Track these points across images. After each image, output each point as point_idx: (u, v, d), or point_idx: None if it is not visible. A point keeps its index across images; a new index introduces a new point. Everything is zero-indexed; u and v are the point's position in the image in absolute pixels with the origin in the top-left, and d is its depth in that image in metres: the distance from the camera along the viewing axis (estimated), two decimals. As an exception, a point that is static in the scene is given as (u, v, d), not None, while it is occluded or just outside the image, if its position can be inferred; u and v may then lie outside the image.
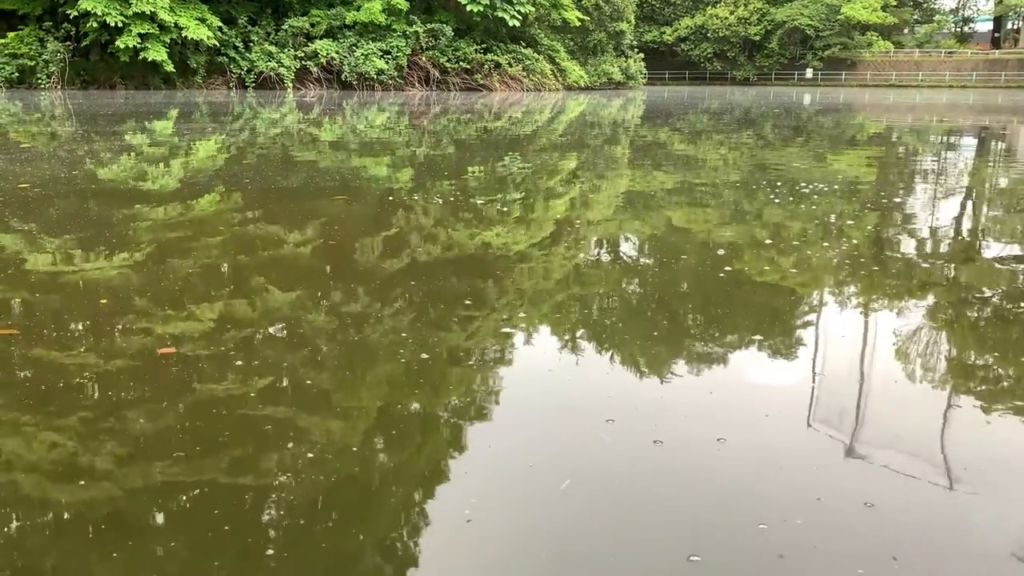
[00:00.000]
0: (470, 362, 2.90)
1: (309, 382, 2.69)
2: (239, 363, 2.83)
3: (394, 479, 2.09)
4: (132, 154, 9.79)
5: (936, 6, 76.35)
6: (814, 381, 2.78)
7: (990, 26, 75.11)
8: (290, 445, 2.24)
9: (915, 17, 73.65)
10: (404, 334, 3.15)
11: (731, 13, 63.86)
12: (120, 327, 3.21)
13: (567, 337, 3.22)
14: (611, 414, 2.40)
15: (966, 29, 76.63)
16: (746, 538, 1.78)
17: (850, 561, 1.72)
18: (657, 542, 1.77)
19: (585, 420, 2.38)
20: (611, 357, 3.01)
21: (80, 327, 3.25)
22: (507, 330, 3.28)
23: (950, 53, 66.27)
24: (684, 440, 2.26)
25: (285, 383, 2.68)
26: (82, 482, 2.03)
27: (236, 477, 2.06)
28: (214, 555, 1.73)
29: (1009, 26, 72.30)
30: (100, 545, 1.77)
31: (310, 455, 2.18)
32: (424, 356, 2.91)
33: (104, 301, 3.57)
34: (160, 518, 1.87)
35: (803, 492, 1.98)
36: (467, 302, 3.63)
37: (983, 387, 2.73)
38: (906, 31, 72.18)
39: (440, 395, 2.61)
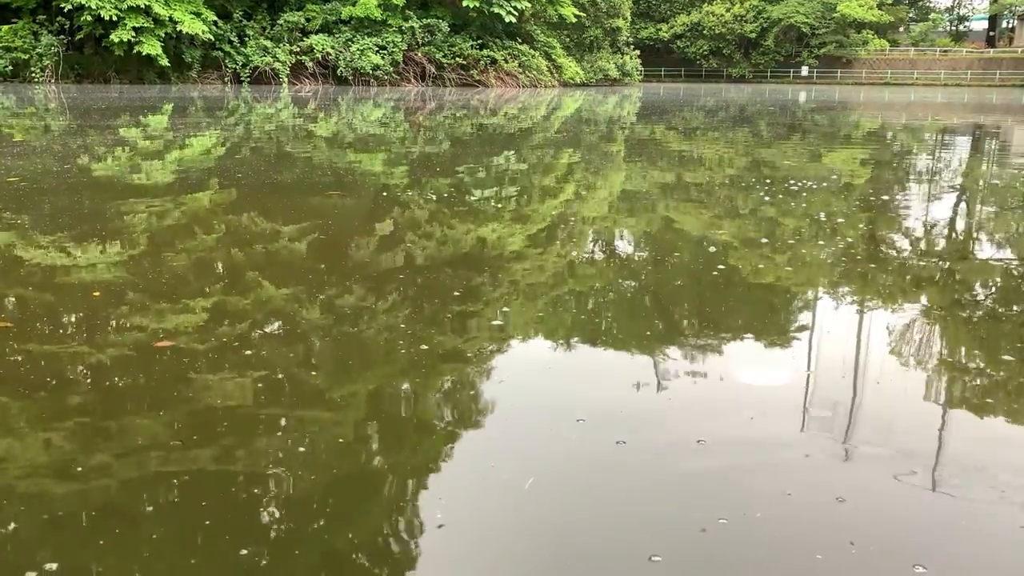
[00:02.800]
0: (452, 359, 2.90)
1: (284, 378, 2.68)
2: (232, 356, 2.83)
3: (369, 478, 2.09)
4: (126, 149, 9.76)
5: (931, 4, 76.55)
6: (805, 382, 2.78)
7: (985, 25, 75.29)
8: (255, 444, 2.24)
9: (910, 15, 73.81)
10: (393, 331, 3.16)
11: (727, 10, 63.90)
12: (114, 321, 3.21)
13: (554, 336, 3.22)
14: (584, 413, 2.39)
15: (961, 28, 76.82)
16: (706, 535, 1.79)
17: (810, 547, 1.75)
18: (618, 544, 1.76)
19: (560, 420, 2.37)
20: (598, 357, 3.01)
21: (74, 320, 3.25)
22: (491, 329, 3.28)
23: (945, 51, 66.44)
24: (658, 441, 2.24)
25: (263, 376, 2.68)
26: (79, 469, 2.03)
27: (208, 466, 2.06)
28: (196, 546, 1.74)
29: (1004, 25, 72.46)
30: (93, 535, 1.77)
31: (284, 454, 2.18)
32: (410, 354, 2.91)
33: (97, 294, 3.56)
34: (153, 508, 1.87)
35: (774, 490, 1.98)
36: (456, 299, 3.63)
37: (970, 388, 2.74)
38: (901, 29, 72.30)
39: (416, 393, 2.61)
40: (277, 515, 1.88)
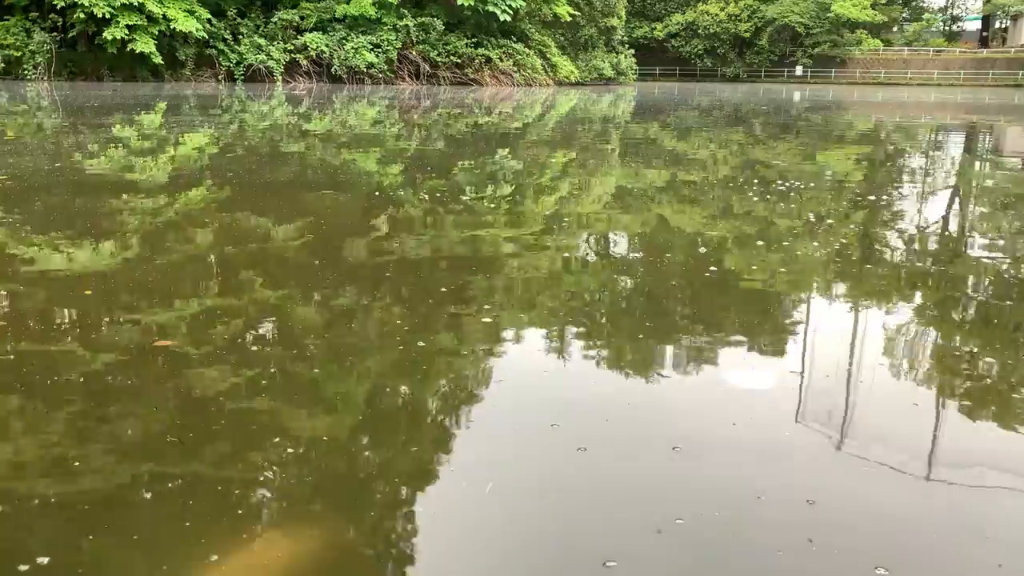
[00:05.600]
0: (436, 362, 2.90)
1: (272, 378, 2.68)
2: (225, 355, 2.83)
3: (339, 483, 2.09)
4: (119, 147, 9.72)
5: (925, 5, 76.74)
6: (792, 387, 2.74)
7: (978, 25, 75.55)
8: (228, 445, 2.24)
9: (904, 15, 73.97)
10: (378, 332, 3.16)
11: (722, 10, 63.93)
12: (107, 320, 3.20)
13: (542, 339, 3.21)
14: (560, 419, 2.37)
15: (954, 28, 77.05)
16: (662, 536, 1.78)
17: (770, 546, 1.76)
18: (573, 551, 1.75)
19: (535, 425, 2.36)
20: (586, 361, 3.01)
21: (66, 319, 3.24)
22: (478, 331, 3.27)
23: (938, 51, 66.59)
24: (632, 447, 2.21)
25: (248, 374, 2.68)
26: (76, 463, 2.03)
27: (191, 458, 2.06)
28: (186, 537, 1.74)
29: (997, 25, 72.72)
30: (86, 531, 1.77)
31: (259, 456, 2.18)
32: (392, 356, 2.91)
33: (88, 292, 3.55)
34: (150, 503, 1.87)
35: (744, 493, 1.97)
36: (445, 300, 3.63)
37: (951, 394, 2.75)
38: (895, 29, 72.48)
39: (393, 396, 2.61)
40: (242, 521, 1.88)
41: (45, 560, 1.68)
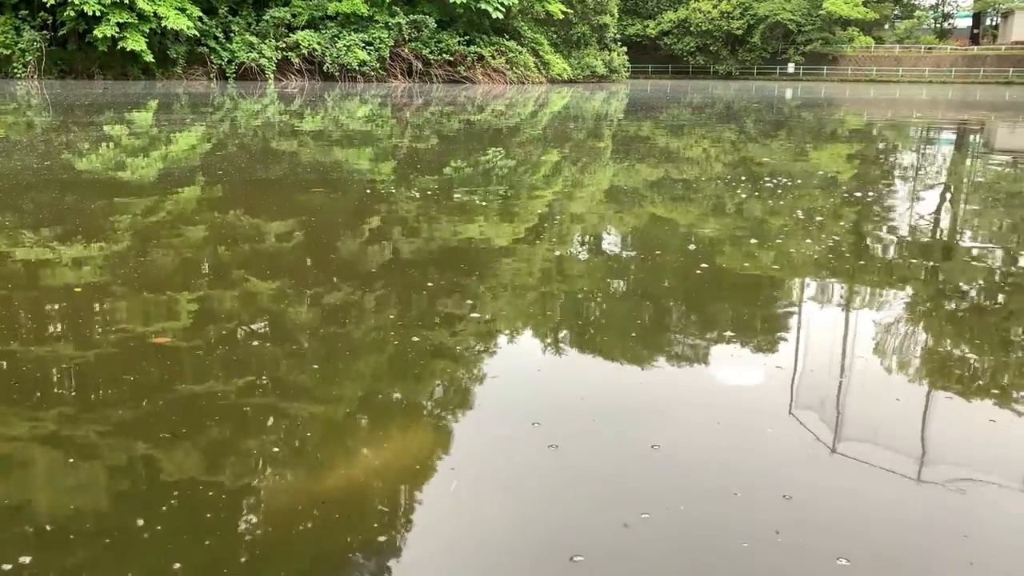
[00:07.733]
0: (422, 358, 2.90)
1: (263, 375, 2.68)
2: (218, 353, 2.82)
3: (308, 479, 2.09)
4: (110, 145, 9.68)
5: (916, 2, 77.04)
6: (779, 385, 2.73)
7: (969, 22, 75.90)
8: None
9: (896, 13, 74.27)
10: (369, 329, 3.15)
11: (714, 7, 64.09)
12: (98, 318, 3.19)
13: (530, 336, 3.21)
14: (539, 417, 2.35)
15: (946, 25, 77.41)
16: (628, 531, 1.78)
17: (737, 537, 1.77)
18: (540, 546, 1.74)
19: (517, 424, 2.35)
20: (575, 359, 3.01)
21: (57, 318, 3.22)
22: (466, 327, 3.28)
23: (930, 49, 66.89)
24: (608, 444, 2.19)
25: (240, 372, 2.67)
26: (71, 460, 2.02)
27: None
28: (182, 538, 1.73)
29: (988, 22, 73.07)
30: (74, 530, 1.76)
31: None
32: (384, 352, 2.91)
33: (78, 290, 3.53)
34: (146, 499, 1.87)
35: (720, 489, 1.97)
36: (435, 296, 3.63)
37: (935, 389, 2.76)
38: (887, 27, 72.76)
39: (374, 392, 2.61)
40: (213, 519, 1.88)
41: (26, 559, 1.67)
